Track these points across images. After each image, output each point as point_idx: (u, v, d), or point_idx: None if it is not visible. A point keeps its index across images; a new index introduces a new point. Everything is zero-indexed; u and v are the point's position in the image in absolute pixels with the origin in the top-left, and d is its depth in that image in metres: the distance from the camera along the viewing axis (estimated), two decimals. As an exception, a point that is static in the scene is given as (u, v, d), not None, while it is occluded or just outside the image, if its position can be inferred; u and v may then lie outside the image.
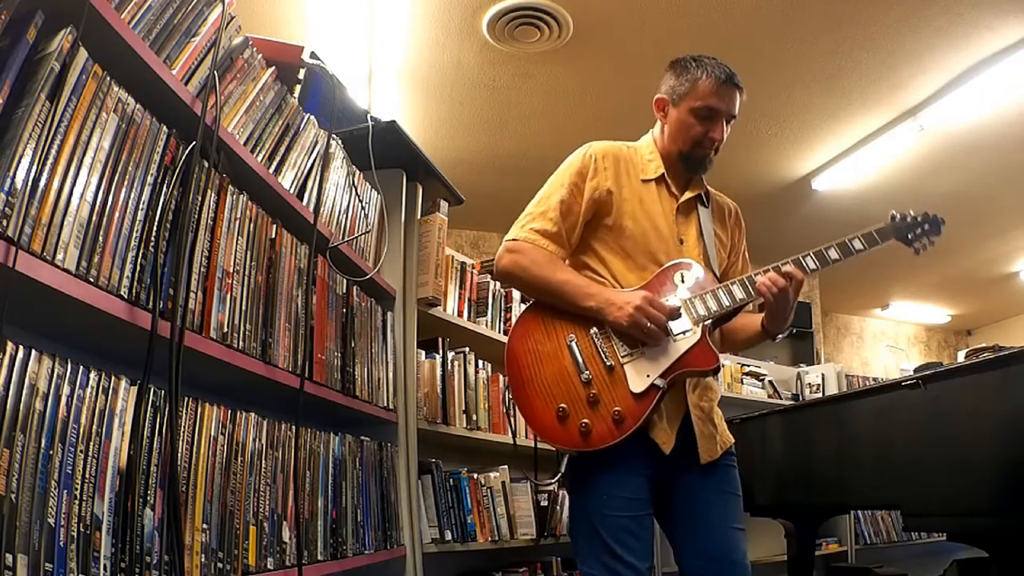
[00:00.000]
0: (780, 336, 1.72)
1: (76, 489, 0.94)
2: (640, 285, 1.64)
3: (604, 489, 1.57)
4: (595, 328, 1.60)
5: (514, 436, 1.81)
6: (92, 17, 1.02)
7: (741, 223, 1.89)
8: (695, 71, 1.69)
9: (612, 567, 1.52)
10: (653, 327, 1.54)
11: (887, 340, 8.88)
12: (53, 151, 0.95)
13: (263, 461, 1.38)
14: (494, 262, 1.72)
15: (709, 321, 1.61)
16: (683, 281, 1.64)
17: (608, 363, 1.57)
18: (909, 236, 1.76)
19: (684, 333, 1.58)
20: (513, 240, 1.69)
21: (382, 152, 2.13)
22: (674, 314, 1.58)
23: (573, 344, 1.59)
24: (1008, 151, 4.75)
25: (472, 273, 2.77)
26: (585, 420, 1.52)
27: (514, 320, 1.72)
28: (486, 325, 2.77)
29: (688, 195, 1.74)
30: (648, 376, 1.55)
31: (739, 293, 1.62)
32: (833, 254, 1.68)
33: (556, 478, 1.62)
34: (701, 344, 1.58)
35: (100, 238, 1.02)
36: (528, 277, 1.65)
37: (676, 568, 1.66)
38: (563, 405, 1.54)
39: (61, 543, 0.90)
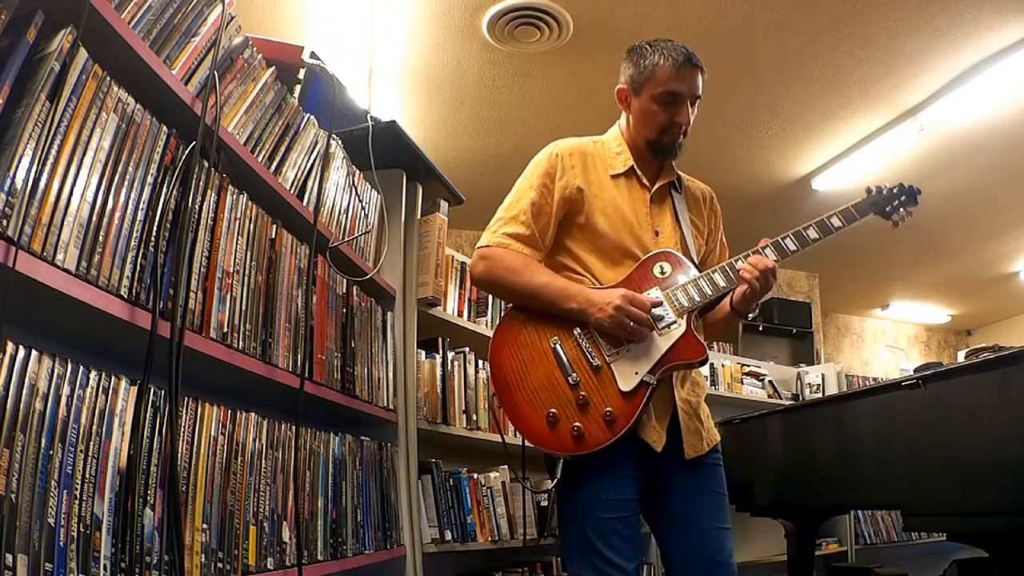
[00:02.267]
0: (749, 316, 1.71)
1: (76, 489, 0.93)
2: (619, 281, 1.61)
3: (594, 492, 1.55)
4: (578, 328, 1.57)
5: (502, 435, 1.80)
6: (92, 17, 1.02)
7: (716, 207, 1.86)
8: (652, 56, 1.65)
9: (600, 568, 1.51)
10: (636, 325, 1.52)
11: (887, 340, 8.88)
12: (53, 151, 0.94)
13: (263, 461, 1.38)
14: (469, 269, 1.68)
15: (694, 312, 1.59)
16: (663, 273, 1.62)
17: (595, 363, 1.54)
18: (887, 209, 1.76)
19: (669, 326, 1.56)
20: (486, 246, 1.65)
21: (382, 152, 2.13)
22: (654, 306, 1.55)
23: (558, 346, 1.57)
24: (1008, 151, 4.75)
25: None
26: (576, 423, 1.50)
27: None
28: (486, 325, 2.77)
29: (659, 184, 1.72)
30: (636, 373, 1.52)
31: (721, 281, 1.60)
32: (812, 233, 1.67)
33: (553, 484, 1.59)
34: (687, 336, 1.56)
35: (100, 238, 1.01)
36: (505, 283, 1.62)
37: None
38: (552, 410, 1.52)
39: (61, 543, 0.90)
